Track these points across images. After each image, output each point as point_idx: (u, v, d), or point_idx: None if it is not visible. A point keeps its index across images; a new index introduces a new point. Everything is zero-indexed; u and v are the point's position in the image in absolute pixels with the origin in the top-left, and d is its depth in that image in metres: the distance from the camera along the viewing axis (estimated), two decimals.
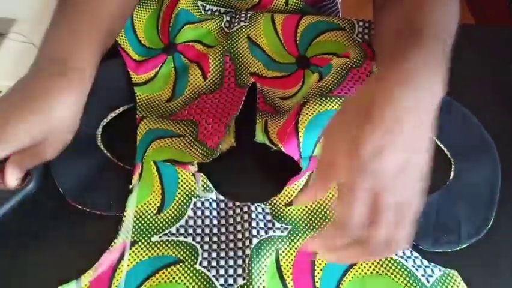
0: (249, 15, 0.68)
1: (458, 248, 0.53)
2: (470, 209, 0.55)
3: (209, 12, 0.70)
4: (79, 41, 0.50)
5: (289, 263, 0.51)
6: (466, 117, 0.62)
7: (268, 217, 0.53)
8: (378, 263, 0.51)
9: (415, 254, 0.51)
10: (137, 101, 0.61)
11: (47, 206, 0.54)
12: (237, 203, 0.54)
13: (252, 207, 0.53)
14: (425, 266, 0.51)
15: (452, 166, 0.59)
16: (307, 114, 0.56)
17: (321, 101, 0.56)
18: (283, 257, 0.51)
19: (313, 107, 0.56)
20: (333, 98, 0.57)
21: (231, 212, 0.54)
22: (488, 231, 0.54)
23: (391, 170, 0.40)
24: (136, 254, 0.51)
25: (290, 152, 0.55)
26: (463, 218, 0.54)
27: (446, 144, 0.60)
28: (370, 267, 0.51)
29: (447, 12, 0.53)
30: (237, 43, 0.66)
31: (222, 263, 0.50)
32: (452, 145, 0.60)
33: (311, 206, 0.55)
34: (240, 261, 0.50)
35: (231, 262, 0.50)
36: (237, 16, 0.68)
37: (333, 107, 0.56)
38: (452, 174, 0.58)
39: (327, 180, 0.43)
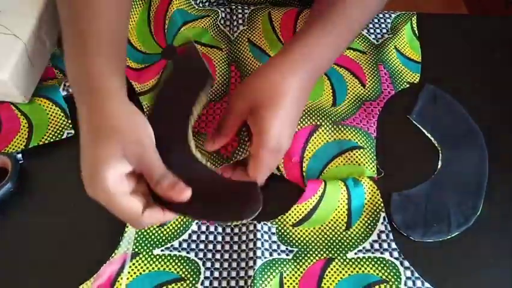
0: (246, 15, 0.68)
1: (448, 237, 0.54)
2: (458, 197, 0.56)
3: (201, 5, 0.69)
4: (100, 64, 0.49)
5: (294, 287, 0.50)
6: (451, 105, 0.63)
7: (274, 238, 0.53)
8: None
9: (427, 284, 0.50)
10: (145, 111, 0.60)
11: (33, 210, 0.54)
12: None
13: (258, 226, 0.52)
14: None
15: (440, 155, 0.59)
16: (315, 143, 0.58)
17: (332, 129, 0.59)
18: (288, 280, 0.50)
19: (322, 136, 0.58)
20: (344, 127, 0.59)
21: (236, 230, 0.53)
22: (477, 219, 0.55)
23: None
24: (136, 267, 0.51)
25: (293, 180, 0.56)
26: (452, 207, 0.56)
27: (433, 134, 0.61)
28: None
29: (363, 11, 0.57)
30: (239, 49, 0.66)
31: (224, 283, 0.50)
32: (439, 134, 0.61)
33: (319, 228, 0.54)
34: (242, 283, 0.49)
35: (232, 283, 0.50)
36: (234, 16, 0.68)
37: (342, 137, 0.58)
38: (440, 163, 0.58)
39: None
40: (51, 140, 0.57)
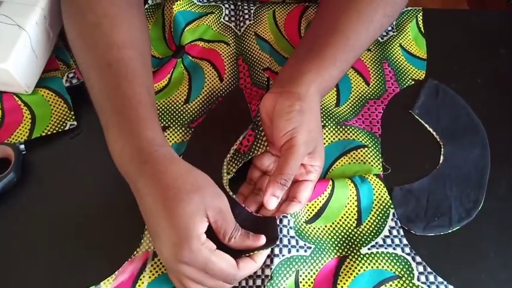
0: (252, 10, 0.68)
1: (449, 231, 0.53)
2: (460, 191, 0.56)
3: (205, 1, 0.69)
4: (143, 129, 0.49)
5: (309, 286, 0.50)
6: (453, 99, 0.63)
7: (292, 232, 0.51)
8: None
9: (439, 279, 0.50)
10: (157, 109, 0.59)
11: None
12: (261, 215, 0.52)
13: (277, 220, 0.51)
14: None
15: (442, 150, 0.59)
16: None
17: (336, 129, 0.59)
18: (303, 279, 0.50)
19: (327, 137, 0.59)
20: (348, 128, 0.59)
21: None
22: (478, 213, 0.55)
23: None
24: (158, 266, 0.50)
25: None
26: (453, 201, 0.55)
27: (435, 128, 0.61)
28: None
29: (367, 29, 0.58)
30: (246, 43, 0.66)
31: (243, 283, 0.49)
32: (440, 128, 0.61)
33: (330, 226, 0.54)
34: (258, 282, 0.48)
35: (250, 283, 0.49)
36: (240, 12, 0.68)
37: (346, 137, 0.59)
38: (441, 158, 0.58)
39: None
40: (54, 131, 0.57)
